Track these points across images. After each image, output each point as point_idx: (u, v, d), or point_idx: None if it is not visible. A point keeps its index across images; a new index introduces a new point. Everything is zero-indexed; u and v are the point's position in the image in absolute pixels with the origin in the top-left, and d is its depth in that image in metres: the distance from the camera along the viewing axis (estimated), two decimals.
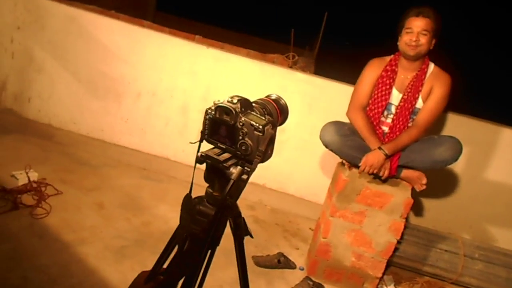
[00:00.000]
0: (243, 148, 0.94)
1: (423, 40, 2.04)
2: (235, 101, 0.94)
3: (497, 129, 2.76)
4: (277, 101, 1.11)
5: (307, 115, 2.91)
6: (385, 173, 2.08)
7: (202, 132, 0.99)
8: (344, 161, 2.27)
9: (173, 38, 3.02)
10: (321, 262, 2.26)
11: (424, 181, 2.13)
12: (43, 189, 2.39)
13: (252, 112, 0.96)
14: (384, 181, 2.13)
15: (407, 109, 2.14)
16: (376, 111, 2.19)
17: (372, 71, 2.22)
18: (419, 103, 2.15)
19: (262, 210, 2.89)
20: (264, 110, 1.04)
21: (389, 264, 2.32)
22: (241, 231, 1.14)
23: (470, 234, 2.88)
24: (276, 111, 1.05)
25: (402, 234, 2.19)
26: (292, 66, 3.45)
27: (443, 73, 2.15)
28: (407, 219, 2.16)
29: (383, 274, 2.27)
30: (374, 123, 2.19)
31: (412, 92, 2.13)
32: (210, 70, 3.01)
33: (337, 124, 2.21)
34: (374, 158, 2.06)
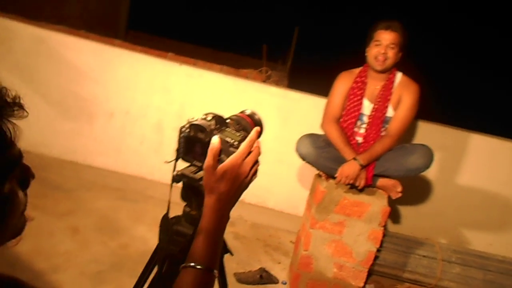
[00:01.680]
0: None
1: (391, 53, 2.11)
2: (209, 118, 0.93)
3: (465, 135, 2.87)
4: (252, 116, 1.10)
5: (283, 129, 2.93)
6: (361, 183, 2.11)
7: (177, 151, 0.98)
8: (321, 173, 2.29)
9: (145, 56, 3.01)
10: (304, 275, 2.26)
11: (399, 188, 2.18)
12: None
13: (227, 129, 0.94)
14: (361, 190, 2.16)
15: (379, 118, 2.19)
16: (349, 122, 2.23)
17: (343, 83, 2.27)
18: (390, 112, 2.21)
19: (242, 226, 2.87)
20: (239, 126, 1.02)
21: (370, 272, 2.34)
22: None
23: (446, 238, 2.94)
24: (251, 127, 1.05)
25: (381, 242, 2.22)
26: (266, 80, 3.48)
27: (411, 82, 2.22)
28: (385, 227, 2.20)
29: (365, 283, 2.28)
30: (348, 134, 2.23)
31: (382, 101, 2.18)
32: (183, 87, 3.01)
33: (312, 136, 2.23)
34: (349, 169, 2.09)
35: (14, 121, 0.61)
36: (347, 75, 2.29)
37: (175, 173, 0.96)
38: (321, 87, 2.47)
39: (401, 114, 2.18)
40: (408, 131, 2.63)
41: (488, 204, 2.89)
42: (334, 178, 2.17)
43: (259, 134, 1.00)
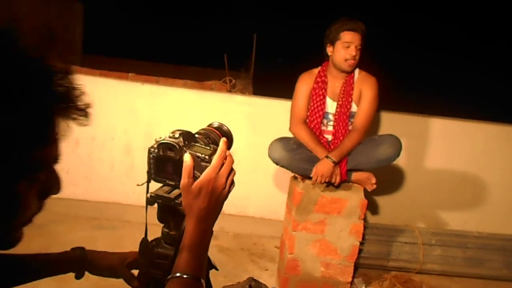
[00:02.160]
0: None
1: (359, 54, 2.16)
2: (176, 135, 0.91)
3: (427, 120, 2.97)
4: (220, 128, 1.09)
5: (253, 136, 2.94)
6: (336, 179, 2.15)
7: (148, 172, 0.95)
8: (296, 175, 2.31)
9: (105, 79, 2.95)
10: (292, 279, 2.25)
11: (374, 180, 2.22)
12: None
13: (196, 144, 0.93)
14: (337, 187, 2.19)
15: (344, 113, 2.24)
16: (315, 122, 2.27)
17: (304, 85, 2.31)
18: (354, 107, 2.26)
19: (225, 238, 2.84)
20: (208, 139, 1.01)
21: (356, 266, 2.37)
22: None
23: (424, 222, 3.03)
24: (220, 139, 1.05)
25: (363, 235, 2.26)
26: (231, 90, 3.49)
27: (369, 75, 2.28)
28: (365, 219, 2.23)
29: (353, 277, 2.30)
30: (317, 133, 2.26)
31: (345, 97, 2.24)
32: (148, 106, 2.96)
33: (283, 140, 2.25)
34: (323, 167, 2.11)
35: (73, 125, 0.56)
36: (307, 76, 2.33)
37: (148, 195, 0.94)
38: (286, 91, 2.50)
39: (364, 108, 2.24)
40: (374, 123, 2.70)
41: (457, 184, 3.00)
42: (310, 178, 2.19)
43: (230, 144, 1.00)
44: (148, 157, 0.92)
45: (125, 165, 2.99)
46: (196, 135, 0.98)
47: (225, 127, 1.08)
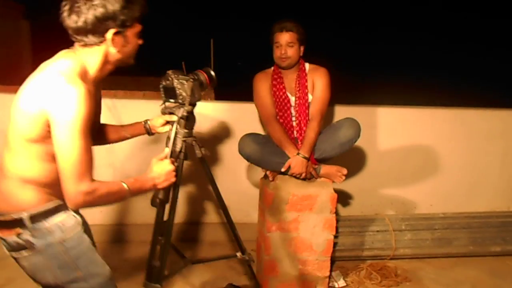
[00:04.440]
0: (180, 97, 1.60)
1: (290, 52, 2.25)
2: (170, 72, 1.62)
3: (385, 110, 3.07)
4: (207, 71, 1.76)
5: (219, 141, 2.91)
6: (313, 172, 2.23)
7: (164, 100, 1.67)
8: (267, 172, 2.30)
9: None
10: (271, 280, 2.26)
11: (344, 171, 2.27)
12: None
13: (181, 76, 1.61)
14: (305, 179, 2.24)
15: (303, 105, 2.30)
16: (284, 116, 2.32)
17: (263, 83, 2.36)
18: (310, 98, 2.33)
19: (200, 247, 2.80)
20: (194, 75, 1.68)
21: (333, 260, 2.40)
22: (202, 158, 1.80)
23: (393, 209, 3.12)
24: (204, 74, 1.73)
25: (337, 228, 2.29)
26: None
27: (319, 67, 2.38)
28: (336, 213, 2.27)
29: (331, 271, 2.33)
30: (287, 128, 2.30)
31: (301, 89, 2.30)
32: (107, 121, 2.86)
33: (252, 134, 2.28)
34: (298, 166, 2.17)
35: None
36: (263, 75, 2.39)
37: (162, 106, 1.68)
38: (249, 93, 2.51)
39: (317, 95, 2.31)
40: (328, 117, 2.75)
41: (420, 169, 3.11)
42: (281, 173, 2.22)
43: (214, 83, 1.79)
44: (161, 89, 1.65)
45: None
46: (189, 73, 1.67)
47: (212, 72, 1.75)
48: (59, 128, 1.11)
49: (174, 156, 1.60)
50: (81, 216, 1.37)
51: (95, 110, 1.26)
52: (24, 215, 1.20)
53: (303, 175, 2.20)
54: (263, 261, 2.25)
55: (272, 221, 2.18)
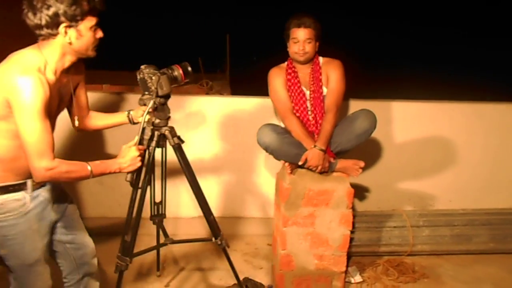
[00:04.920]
0: (150, 90, 1.70)
1: (308, 48, 2.25)
2: (143, 67, 1.72)
3: (403, 104, 3.02)
4: (184, 66, 1.82)
5: (235, 136, 2.92)
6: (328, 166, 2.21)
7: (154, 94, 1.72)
8: (285, 163, 2.29)
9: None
10: (287, 274, 2.26)
11: (362, 164, 2.25)
12: None
13: (151, 70, 1.71)
14: (322, 173, 2.23)
15: (318, 98, 2.29)
16: (301, 110, 2.31)
17: (277, 78, 2.36)
18: (325, 91, 2.32)
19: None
20: (168, 69, 1.78)
21: (349, 255, 2.39)
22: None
23: (411, 205, 3.08)
24: (179, 70, 1.79)
25: (353, 223, 2.28)
26: (209, 92, 3.47)
27: (333, 59, 2.37)
28: (353, 208, 2.25)
29: (347, 267, 2.32)
30: (306, 125, 2.29)
31: (315, 83, 2.30)
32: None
33: (271, 124, 2.29)
34: (315, 158, 2.15)
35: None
36: (278, 70, 2.39)
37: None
38: (265, 87, 2.50)
39: (332, 87, 2.30)
40: (345, 112, 2.72)
41: (439, 164, 3.06)
42: (298, 165, 2.21)
43: (187, 75, 1.83)
44: (138, 80, 1.74)
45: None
46: (164, 69, 1.77)
47: (189, 67, 1.82)
48: (19, 114, 1.29)
49: (143, 143, 1.72)
50: (67, 196, 1.66)
51: (60, 97, 1.48)
52: None
53: (320, 168, 2.18)
54: (279, 255, 2.26)
55: (288, 216, 2.19)
